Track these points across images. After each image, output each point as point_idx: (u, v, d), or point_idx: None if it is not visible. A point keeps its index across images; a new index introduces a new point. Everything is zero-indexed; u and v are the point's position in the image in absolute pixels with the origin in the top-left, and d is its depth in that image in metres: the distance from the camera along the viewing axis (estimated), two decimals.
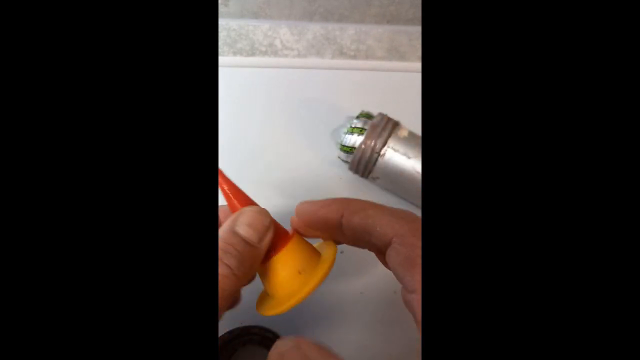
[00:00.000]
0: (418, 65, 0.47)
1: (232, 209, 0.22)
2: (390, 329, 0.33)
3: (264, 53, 0.46)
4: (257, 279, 0.24)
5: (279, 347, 0.18)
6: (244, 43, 0.45)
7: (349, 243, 0.23)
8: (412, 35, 0.45)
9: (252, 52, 0.46)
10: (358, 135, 0.34)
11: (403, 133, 0.34)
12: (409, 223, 0.19)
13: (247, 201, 0.22)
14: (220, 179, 0.22)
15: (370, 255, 0.36)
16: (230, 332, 0.30)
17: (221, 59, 0.45)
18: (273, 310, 0.20)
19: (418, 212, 0.37)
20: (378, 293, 0.34)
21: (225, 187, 0.22)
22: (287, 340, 0.18)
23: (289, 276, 0.21)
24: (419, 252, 0.18)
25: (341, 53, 0.46)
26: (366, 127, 0.34)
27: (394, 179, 0.34)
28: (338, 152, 0.36)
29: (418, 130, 0.34)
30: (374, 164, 0.34)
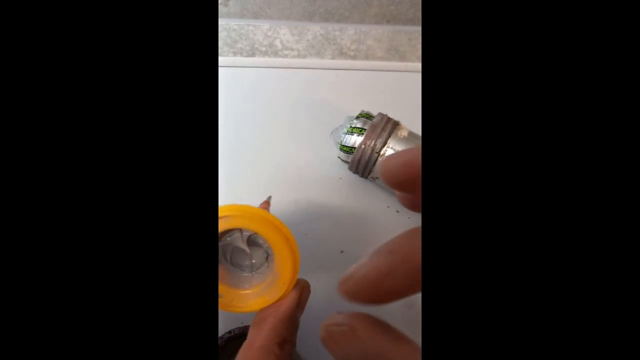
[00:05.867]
0: (418, 65, 0.47)
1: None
2: None
3: (264, 53, 0.46)
4: None
5: (330, 323, 0.15)
6: (244, 43, 0.45)
7: None
8: (412, 35, 0.45)
9: (252, 52, 0.46)
10: (358, 135, 0.34)
11: (403, 133, 0.34)
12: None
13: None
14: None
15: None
16: (230, 332, 0.30)
17: (221, 59, 0.45)
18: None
19: (418, 212, 0.37)
20: None
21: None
22: (340, 318, 0.15)
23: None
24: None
25: (341, 53, 0.46)
26: (366, 127, 0.34)
27: None
28: (338, 152, 0.36)
29: (418, 130, 0.34)
30: (374, 164, 0.34)
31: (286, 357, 0.19)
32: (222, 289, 0.23)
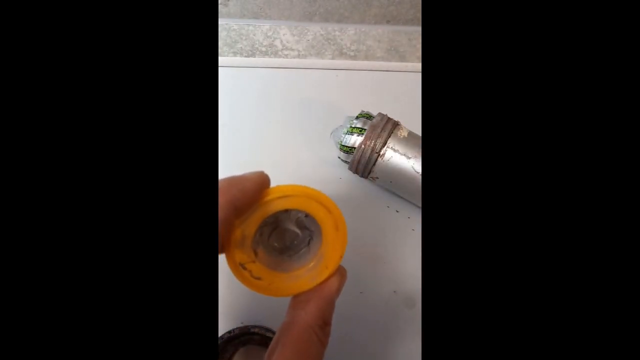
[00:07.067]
0: (418, 65, 0.47)
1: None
2: (390, 329, 0.33)
3: (264, 53, 0.46)
4: None
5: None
6: (244, 43, 0.45)
7: None
8: (412, 35, 0.45)
9: (252, 53, 0.46)
10: (358, 136, 0.34)
11: (403, 133, 0.34)
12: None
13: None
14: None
15: (369, 256, 0.36)
16: (230, 332, 0.30)
17: (221, 59, 0.45)
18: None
19: (418, 212, 0.38)
20: (378, 293, 0.34)
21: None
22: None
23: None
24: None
25: (341, 53, 0.46)
26: (366, 127, 0.34)
27: (393, 179, 0.34)
28: (338, 152, 0.36)
29: (418, 130, 0.34)
30: (374, 164, 0.34)
31: (326, 338, 0.20)
32: (260, 271, 0.21)
